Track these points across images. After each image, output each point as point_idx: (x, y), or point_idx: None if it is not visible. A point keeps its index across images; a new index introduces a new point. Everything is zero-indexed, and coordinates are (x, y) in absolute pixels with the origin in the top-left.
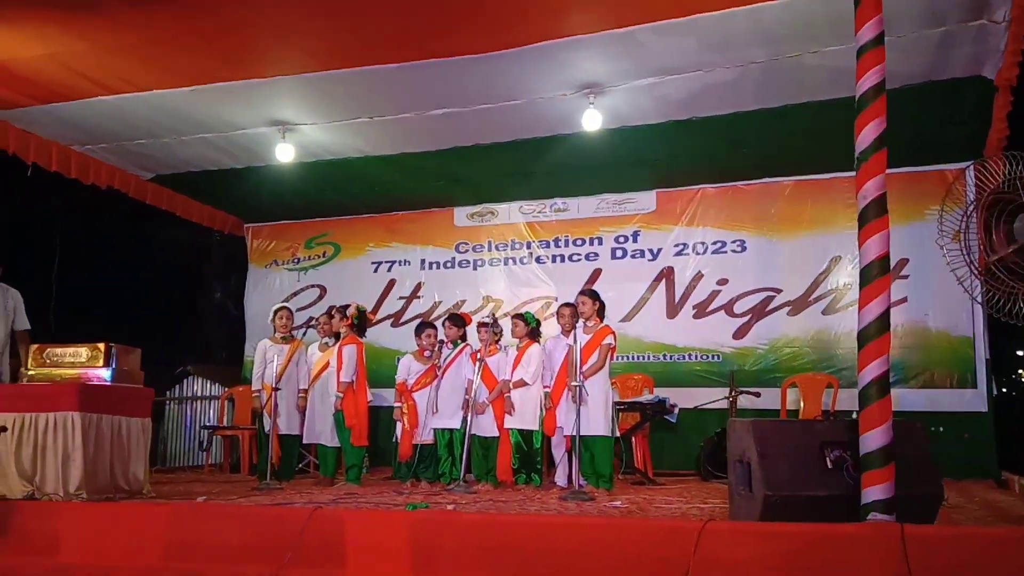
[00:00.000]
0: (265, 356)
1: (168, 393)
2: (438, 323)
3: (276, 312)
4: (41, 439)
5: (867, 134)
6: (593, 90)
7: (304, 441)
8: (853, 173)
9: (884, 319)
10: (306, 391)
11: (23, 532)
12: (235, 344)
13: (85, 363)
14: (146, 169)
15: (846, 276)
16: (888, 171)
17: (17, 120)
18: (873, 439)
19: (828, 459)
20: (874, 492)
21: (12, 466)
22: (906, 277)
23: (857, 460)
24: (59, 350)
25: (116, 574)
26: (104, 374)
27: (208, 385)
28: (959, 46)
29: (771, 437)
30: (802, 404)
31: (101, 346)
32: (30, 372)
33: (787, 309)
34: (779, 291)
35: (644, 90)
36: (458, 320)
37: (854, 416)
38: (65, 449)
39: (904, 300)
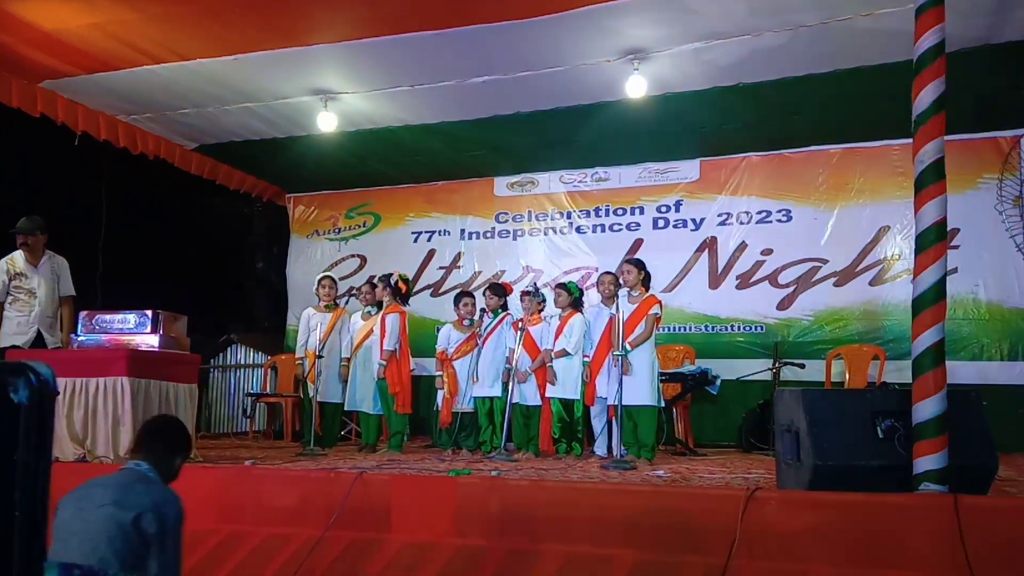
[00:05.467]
0: (309, 324)
1: (212, 361)
2: (478, 293)
3: (320, 281)
4: (91, 403)
5: (925, 96)
6: (638, 56)
7: (346, 409)
8: (903, 140)
9: (940, 286)
10: (349, 360)
11: None
12: (278, 313)
13: (133, 329)
14: (189, 139)
15: (895, 246)
16: None
17: (64, 90)
18: (927, 408)
19: (879, 429)
20: (927, 462)
21: (64, 429)
22: (957, 247)
23: (909, 430)
24: (108, 316)
25: None
26: (152, 340)
27: (251, 353)
28: (1018, 7)
29: (821, 406)
30: (847, 376)
31: (149, 312)
32: (80, 338)
33: (833, 280)
34: (825, 261)
35: (690, 55)
36: (498, 289)
37: (896, 387)
38: (115, 413)
39: (955, 271)
